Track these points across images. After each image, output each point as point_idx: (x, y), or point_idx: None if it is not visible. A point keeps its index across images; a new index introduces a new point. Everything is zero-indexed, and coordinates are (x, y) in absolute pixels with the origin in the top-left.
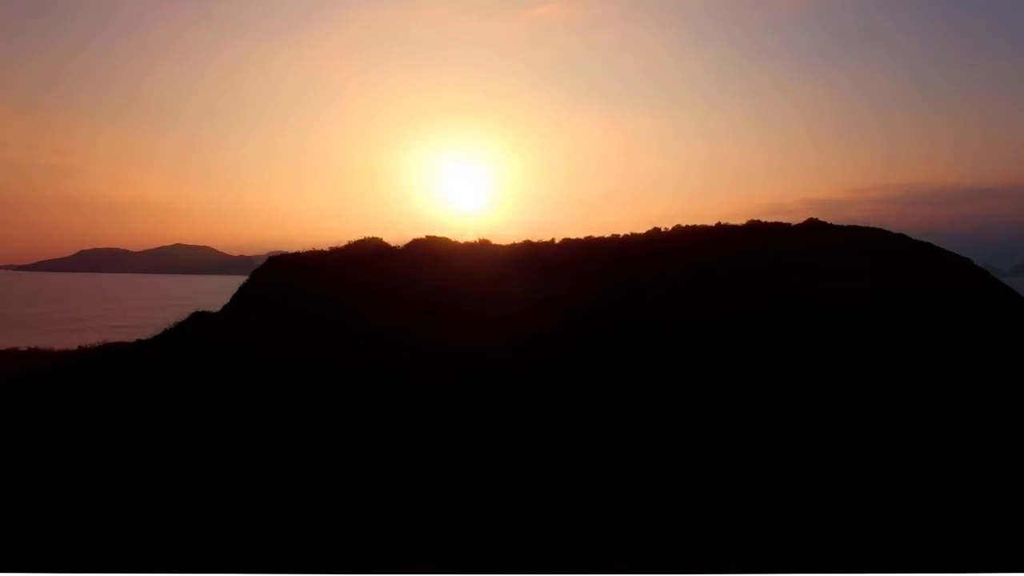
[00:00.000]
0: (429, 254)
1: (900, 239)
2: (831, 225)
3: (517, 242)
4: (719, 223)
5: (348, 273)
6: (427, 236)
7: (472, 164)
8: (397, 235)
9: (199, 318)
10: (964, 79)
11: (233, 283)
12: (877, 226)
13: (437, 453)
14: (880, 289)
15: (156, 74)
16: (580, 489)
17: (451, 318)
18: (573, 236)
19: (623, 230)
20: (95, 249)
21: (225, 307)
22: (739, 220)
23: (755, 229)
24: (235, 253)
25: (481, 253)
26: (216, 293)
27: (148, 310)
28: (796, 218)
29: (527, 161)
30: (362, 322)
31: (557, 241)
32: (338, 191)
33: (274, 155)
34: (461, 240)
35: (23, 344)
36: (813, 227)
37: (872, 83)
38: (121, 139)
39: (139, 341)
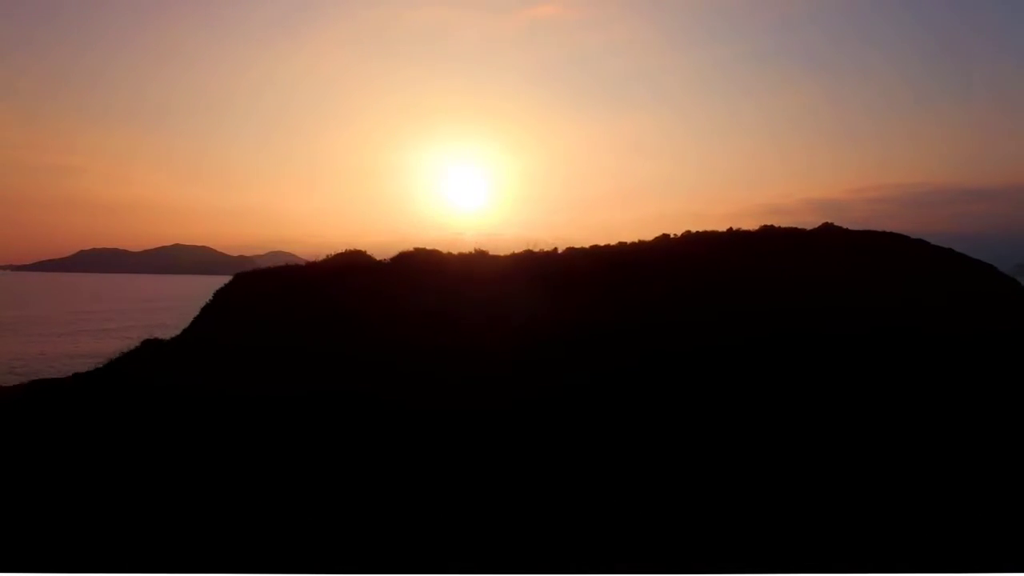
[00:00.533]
0: (418, 269)
1: (920, 244)
2: (846, 230)
3: (517, 252)
4: (730, 229)
5: (323, 293)
6: (416, 248)
7: (472, 164)
8: (397, 236)
9: (150, 347)
10: (962, 79)
11: None
12: (880, 228)
13: (412, 494)
14: (912, 305)
15: (158, 75)
16: (581, 504)
17: (441, 344)
18: (575, 238)
19: (624, 229)
20: (95, 249)
21: (184, 331)
22: (740, 219)
23: (769, 235)
24: (235, 253)
25: (477, 267)
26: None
27: (146, 311)
28: (797, 218)
29: (527, 161)
30: (331, 354)
31: (560, 250)
32: (338, 191)
33: (274, 155)
34: (456, 249)
35: (7, 352)
36: (828, 233)
37: (871, 83)
38: (122, 139)
39: (75, 375)
